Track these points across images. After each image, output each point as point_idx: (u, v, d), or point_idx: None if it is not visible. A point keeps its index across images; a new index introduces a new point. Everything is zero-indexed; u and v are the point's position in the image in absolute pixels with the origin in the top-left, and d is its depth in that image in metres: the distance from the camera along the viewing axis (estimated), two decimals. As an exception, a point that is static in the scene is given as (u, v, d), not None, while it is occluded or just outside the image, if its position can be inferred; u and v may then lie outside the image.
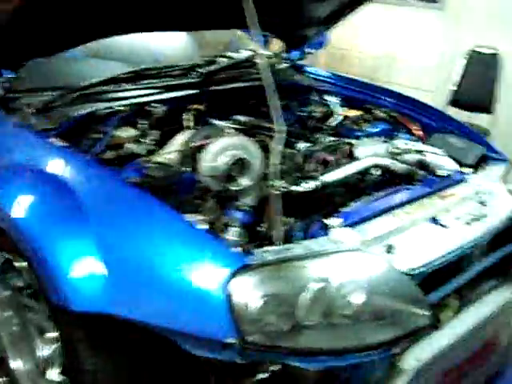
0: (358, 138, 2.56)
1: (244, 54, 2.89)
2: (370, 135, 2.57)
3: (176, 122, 2.37)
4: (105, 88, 2.36)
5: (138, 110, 2.30)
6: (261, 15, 2.78)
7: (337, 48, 5.00)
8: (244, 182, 2.00)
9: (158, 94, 2.42)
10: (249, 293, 1.48)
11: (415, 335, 1.65)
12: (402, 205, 1.93)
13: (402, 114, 2.69)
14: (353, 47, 5.16)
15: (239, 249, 1.58)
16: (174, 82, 2.51)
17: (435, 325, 1.80)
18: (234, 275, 1.48)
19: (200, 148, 2.05)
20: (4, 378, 2.11)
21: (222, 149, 2.00)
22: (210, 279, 1.50)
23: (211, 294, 1.48)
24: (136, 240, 1.62)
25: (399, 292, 1.62)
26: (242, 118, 2.49)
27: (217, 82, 2.59)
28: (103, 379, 1.69)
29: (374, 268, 1.63)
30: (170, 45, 3.20)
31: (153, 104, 2.33)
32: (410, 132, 2.63)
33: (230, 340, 1.47)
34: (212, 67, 2.63)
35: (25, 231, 1.72)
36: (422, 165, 2.31)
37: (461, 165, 2.33)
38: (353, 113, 2.72)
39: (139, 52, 3.02)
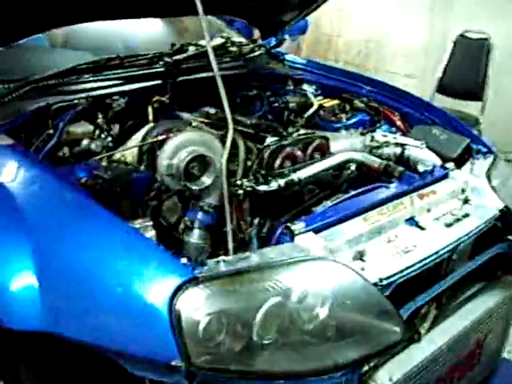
0: (336, 130, 2.40)
1: (215, 42, 2.72)
2: (347, 127, 2.41)
3: (138, 115, 2.20)
4: (62, 80, 2.19)
5: (96, 104, 2.13)
6: (235, 0, 2.65)
7: (322, 33, 4.81)
8: (205, 180, 1.84)
9: (119, 85, 2.25)
10: (196, 309, 1.30)
11: (385, 352, 1.48)
12: (376, 205, 1.76)
13: (382, 103, 2.52)
14: (339, 33, 4.95)
15: (186, 260, 1.39)
16: (137, 73, 2.33)
17: (413, 338, 1.65)
18: (180, 289, 1.30)
19: (159, 144, 1.89)
20: None
21: (181, 145, 1.85)
22: (154, 294, 1.32)
23: (154, 311, 1.30)
24: (74, 250, 1.45)
25: (367, 305, 1.46)
26: (210, 110, 2.31)
27: (184, 71, 2.41)
28: None
29: (339, 278, 1.46)
30: (144, 33, 3.03)
31: (113, 97, 2.16)
32: (390, 123, 2.47)
33: (175, 362, 1.30)
34: (179, 56, 2.45)
35: None
36: (402, 159, 2.16)
37: (443, 159, 2.17)
38: (330, 103, 2.55)
39: (112, 41, 2.86)
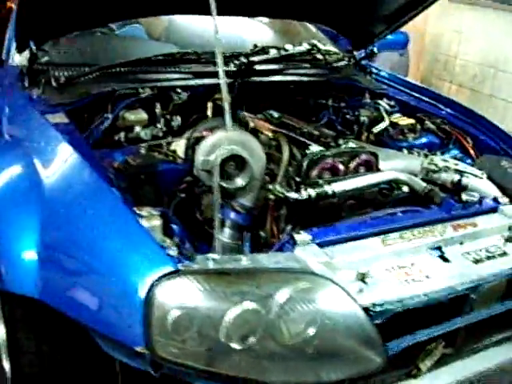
0: (399, 148, 2.32)
1: (300, 48, 2.71)
2: (412, 147, 2.31)
3: (199, 110, 2.25)
4: (133, 69, 2.28)
5: (159, 94, 2.20)
6: (326, 11, 2.63)
7: (440, 53, 4.61)
8: (239, 180, 1.85)
9: (186, 79, 2.31)
10: (169, 301, 1.31)
11: (362, 380, 1.41)
12: (401, 228, 1.68)
13: (456, 127, 2.39)
14: (456, 54, 4.72)
15: (175, 252, 1.40)
16: (207, 69, 2.38)
17: (410, 373, 1.56)
18: (159, 279, 1.32)
19: (199, 140, 1.92)
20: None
21: (218, 142, 1.86)
22: (135, 279, 1.35)
23: (132, 296, 1.33)
24: (75, 228, 1.52)
25: (352, 330, 1.39)
26: (274, 114, 2.31)
27: (256, 73, 2.43)
28: (39, 362, 1.61)
29: (328, 297, 1.41)
30: (246, 32, 3.06)
31: (177, 90, 2.22)
32: (462, 148, 2.34)
33: (140, 349, 1.32)
34: (255, 57, 2.47)
35: None
36: (459, 187, 2.04)
37: (506, 193, 2.02)
38: (404, 121, 2.45)
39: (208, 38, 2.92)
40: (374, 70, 2.85)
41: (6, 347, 1.72)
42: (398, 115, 2.51)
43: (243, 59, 2.42)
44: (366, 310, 1.42)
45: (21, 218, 1.58)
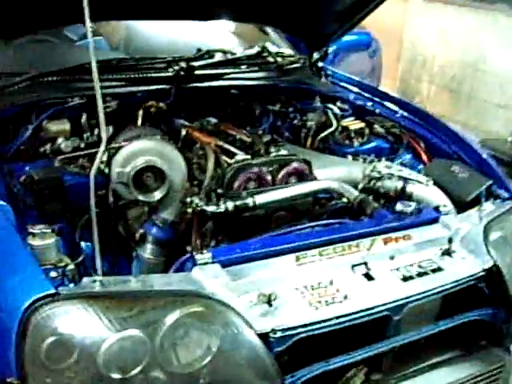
0: (344, 155, 2.17)
1: (248, 51, 2.58)
2: (359, 152, 2.17)
3: (129, 119, 2.11)
4: (65, 77, 2.15)
5: (87, 104, 2.06)
6: (277, 12, 2.49)
7: (418, 53, 4.44)
8: (157, 194, 1.73)
9: (118, 87, 2.17)
10: (45, 328, 1.19)
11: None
12: (322, 244, 1.53)
13: (410, 130, 2.23)
14: (435, 54, 4.54)
15: (56, 274, 1.28)
16: (145, 75, 2.24)
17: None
18: (34, 303, 1.20)
19: (116, 151, 1.79)
20: None
21: (134, 153, 1.74)
22: (11, 304, 1.23)
23: (6, 322, 1.21)
24: None
25: (246, 358, 1.26)
26: (211, 121, 2.18)
27: (196, 78, 2.29)
28: None
29: (219, 322, 1.27)
30: (212, 36, 2.94)
31: (107, 98, 2.08)
32: (413, 152, 2.19)
33: (11, 380, 1.20)
34: (196, 62, 2.33)
35: None
36: (403, 195, 1.89)
37: (455, 200, 1.87)
38: (355, 125, 2.31)
39: (171, 45, 2.81)
40: (330, 73, 2.69)
41: None
42: (350, 119, 2.37)
43: (183, 64, 2.29)
44: (265, 335, 1.28)
45: None
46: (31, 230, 1.39)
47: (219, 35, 2.99)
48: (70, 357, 1.19)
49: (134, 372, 1.21)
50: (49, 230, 1.43)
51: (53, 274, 1.29)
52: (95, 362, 1.19)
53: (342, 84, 2.64)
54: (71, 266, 1.34)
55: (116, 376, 1.20)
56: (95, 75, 1.27)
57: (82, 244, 1.60)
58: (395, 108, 2.38)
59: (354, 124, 2.32)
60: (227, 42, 2.88)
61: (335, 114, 2.35)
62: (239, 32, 3.08)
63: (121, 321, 1.22)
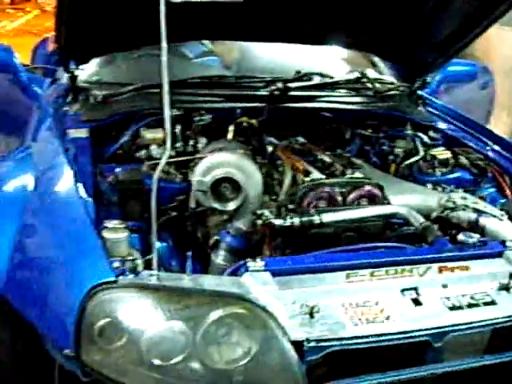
0: (423, 183, 2.20)
1: (347, 76, 2.67)
2: (441, 182, 2.18)
3: (222, 133, 2.26)
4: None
5: (184, 116, 2.24)
6: (378, 40, 2.57)
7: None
8: (232, 204, 1.86)
9: (214, 102, 2.33)
10: (100, 310, 1.35)
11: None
12: (375, 265, 1.58)
13: (497, 164, 2.22)
14: None
15: (119, 264, 1.43)
16: (241, 93, 2.40)
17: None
18: (95, 288, 1.37)
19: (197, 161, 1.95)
20: None
21: (215, 164, 1.88)
22: (76, 286, 1.40)
23: (70, 301, 1.38)
24: (43, 232, 1.62)
25: (275, 363, 1.36)
26: (299, 140, 2.29)
27: (289, 99, 2.41)
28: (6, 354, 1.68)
29: (257, 326, 1.37)
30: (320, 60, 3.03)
31: (201, 112, 2.25)
32: (496, 185, 2.17)
33: (67, 352, 1.38)
34: (292, 84, 2.45)
35: None
36: (476, 227, 1.89)
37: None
38: (442, 155, 2.32)
39: (283, 65, 2.93)
40: (428, 102, 2.71)
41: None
42: (439, 149, 2.38)
43: (280, 84, 2.41)
44: (300, 344, 1.36)
45: (2, 224, 1.67)
46: (106, 225, 1.57)
47: (327, 58, 3.07)
48: (120, 339, 1.34)
49: (173, 361, 1.34)
50: (122, 226, 1.59)
51: (116, 264, 1.43)
52: (140, 346, 1.33)
53: (438, 113, 2.65)
54: (138, 261, 1.49)
55: (157, 362, 1.33)
56: (165, 90, 1.41)
57: (157, 243, 1.76)
58: (487, 141, 2.37)
59: (441, 154, 2.33)
60: (333, 66, 2.97)
61: (424, 143, 2.37)
62: (347, 57, 3.15)
63: (168, 312, 1.35)
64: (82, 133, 2.10)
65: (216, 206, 1.87)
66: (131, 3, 2.07)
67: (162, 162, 1.38)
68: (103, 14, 2.15)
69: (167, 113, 1.40)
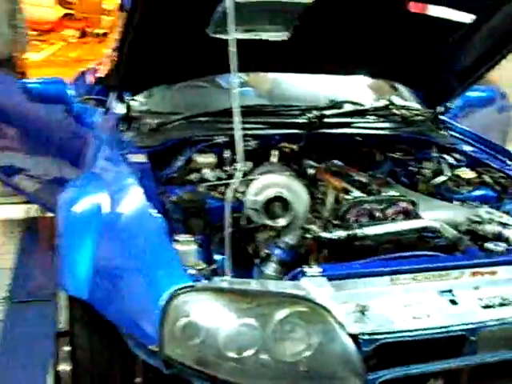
0: (451, 200, 2.42)
1: (376, 104, 2.90)
2: (467, 199, 2.40)
3: (265, 157, 2.50)
4: (213, 118, 2.59)
5: (231, 142, 2.47)
6: (402, 69, 2.81)
7: None
8: (282, 220, 2.06)
9: (260, 129, 2.57)
10: (181, 310, 1.57)
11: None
12: (416, 270, 1.79)
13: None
14: None
15: (194, 271, 1.66)
16: (282, 120, 2.64)
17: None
18: (175, 291, 1.58)
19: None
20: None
21: (267, 185, 2.09)
22: (159, 291, 1.61)
23: (154, 303, 1.59)
24: (122, 244, 1.84)
25: (335, 354, 1.56)
26: (336, 163, 2.52)
27: (325, 125, 2.64)
28: (86, 357, 1.89)
29: (318, 322, 1.58)
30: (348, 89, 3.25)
31: (247, 138, 2.48)
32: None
33: (152, 347, 1.59)
34: (328, 111, 2.69)
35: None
36: (500, 238, 2.10)
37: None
38: (468, 174, 2.55)
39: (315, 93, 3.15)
40: (450, 126, 2.95)
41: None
42: (463, 169, 2.60)
43: (316, 112, 2.65)
44: (356, 337, 1.57)
45: (82, 238, 1.90)
46: (177, 238, 1.81)
47: (354, 87, 3.31)
48: (198, 336, 1.55)
49: (247, 353, 1.54)
50: (192, 239, 1.83)
51: (191, 271, 1.66)
52: (217, 341, 1.54)
53: (460, 136, 2.88)
54: (208, 269, 1.71)
55: (232, 355, 1.54)
56: (236, 118, 1.63)
57: (217, 256, 1.99)
58: (507, 160, 2.60)
59: (465, 174, 2.55)
60: (361, 94, 3.21)
61: (449, 164, 2.60)
62: (372, 85, 3.38)
63: (240, 311, 1.56)
64: (141, 157, 2.33)
65: (268, 222, 2.07)
66: (187, 39, 2.33)
67: (236, 181, 1.60)
68: (158, 51, 2.41)
69: (238, 137, 1.61)
